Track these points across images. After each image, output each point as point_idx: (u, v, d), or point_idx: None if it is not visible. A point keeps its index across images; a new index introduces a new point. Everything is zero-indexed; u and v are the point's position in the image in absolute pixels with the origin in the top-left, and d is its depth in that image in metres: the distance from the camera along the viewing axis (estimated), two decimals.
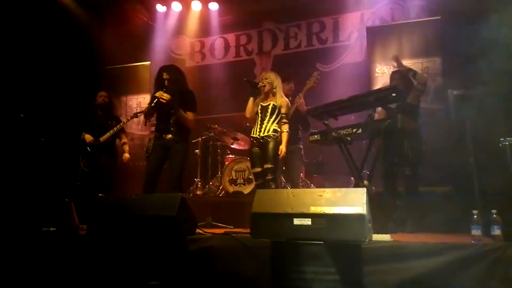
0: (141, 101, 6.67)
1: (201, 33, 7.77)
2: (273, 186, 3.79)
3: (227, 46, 7.72)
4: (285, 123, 3.95)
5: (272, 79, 4.01)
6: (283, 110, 3.95)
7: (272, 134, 3.89)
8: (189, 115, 4.04)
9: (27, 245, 3.52)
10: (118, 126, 4.94)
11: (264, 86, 3.98)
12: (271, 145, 3.85)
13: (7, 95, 5.41)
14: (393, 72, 4.32)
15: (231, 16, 7.61)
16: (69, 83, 6.15)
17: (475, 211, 2.68)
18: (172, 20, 7.61)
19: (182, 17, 7.63)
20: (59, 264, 3.32)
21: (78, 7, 6.49)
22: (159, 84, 4.04)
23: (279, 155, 3.88)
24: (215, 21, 7.56)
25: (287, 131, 3.93)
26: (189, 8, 7.48)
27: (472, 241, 2.59)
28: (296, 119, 4.59)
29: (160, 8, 7.49)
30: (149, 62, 6.79)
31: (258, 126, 3.97)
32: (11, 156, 5.33)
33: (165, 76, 4.01)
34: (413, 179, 3.75)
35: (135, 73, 6.79)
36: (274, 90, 3.98)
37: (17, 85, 5.56)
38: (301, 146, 4.75)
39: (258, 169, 3.92)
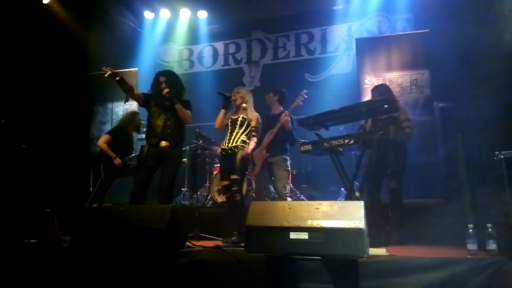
0: (127, 108, 6.53)
1: (189, 41, 7.73)
2: (238, 198, 3.77)
3: (215, 55, 7.69)
4: (254, 135, 3.98)
5: (243, 94, 4.07)
6: (253, 124, 3.98)
7: (241, 145, 3.88)
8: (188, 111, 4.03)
9: (7, 257, 3.37)
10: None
11: (236, 99, 4.03)
12: (239, 155, 3.84)
13: None
14: (374, 88, 4.31)
15: (220, 24, 7.59)
16: (53, 88, 5.99)
17: (470, 225, 2.66)
18: (160, 27, 7.56)
19: (171, 25, 7.58)
20: (40, 277, 3.18)
21: (65, 12, 6.37)
22: (155, 88, 3.99)
23: (246, 166, 3.95)
24: (203, 29, 7.54)
25: (255, 142, 3.96)
26: (177, 15, 7.43)
27: (468, 256, 2.58)
28: (282, 135, 4.56)
29: (148, 15, 7.43)
30: (136, 69, 6.67)
31: (227, 138, 3.98)
32: None
33: (161, 79, 3.98)
34: (399, 191, 3.75)
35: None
36: (245, 104, 4.00)
37: None
38: (287, 157, 4.70)
39: (226, 182, 3.89)
